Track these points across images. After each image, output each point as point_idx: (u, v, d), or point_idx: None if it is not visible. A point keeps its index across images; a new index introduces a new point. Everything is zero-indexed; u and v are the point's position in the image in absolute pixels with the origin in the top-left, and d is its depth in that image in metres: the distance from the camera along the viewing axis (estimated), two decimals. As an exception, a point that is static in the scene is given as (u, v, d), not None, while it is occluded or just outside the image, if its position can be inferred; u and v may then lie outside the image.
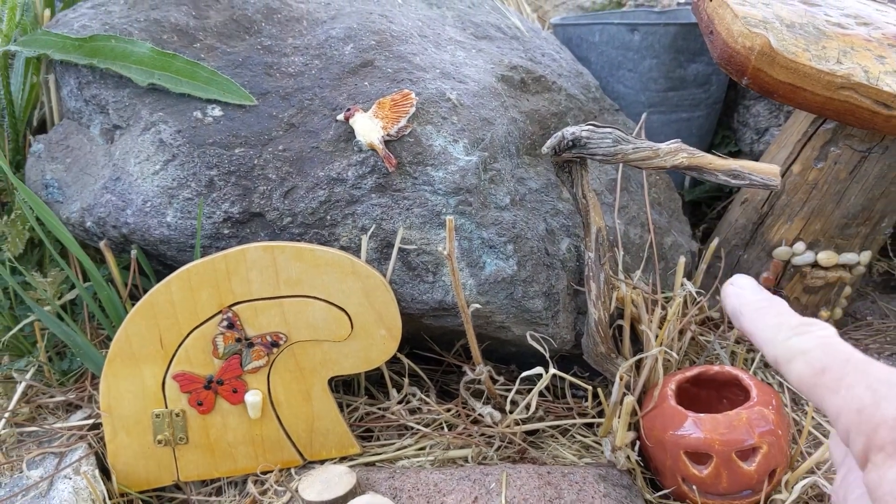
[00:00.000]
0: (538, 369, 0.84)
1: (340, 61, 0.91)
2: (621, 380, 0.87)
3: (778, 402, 0.89)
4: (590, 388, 0.93)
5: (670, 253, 1.07)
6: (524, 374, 0.85)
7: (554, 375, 0.87)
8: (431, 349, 0.98)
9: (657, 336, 0.91)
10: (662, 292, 1.04)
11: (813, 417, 0.98)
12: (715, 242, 1.07)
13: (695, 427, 0.86)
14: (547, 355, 0.86)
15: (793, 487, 0.84)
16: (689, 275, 1.11)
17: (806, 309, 1.11)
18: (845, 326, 1.18)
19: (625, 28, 1.21)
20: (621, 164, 0.96)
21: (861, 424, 0.33)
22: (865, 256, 1.08)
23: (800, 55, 0.90)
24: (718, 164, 0.84)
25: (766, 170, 0.83)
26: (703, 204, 1.36)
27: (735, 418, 0.85)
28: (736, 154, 1.34)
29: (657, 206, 1.13)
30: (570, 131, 0.85)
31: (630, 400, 0.82)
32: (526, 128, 0.99)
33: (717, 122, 1.33)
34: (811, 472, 0.85)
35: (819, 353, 0.36)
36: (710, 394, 0.97)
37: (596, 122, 0.85)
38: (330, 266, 0.80)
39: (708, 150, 1.35)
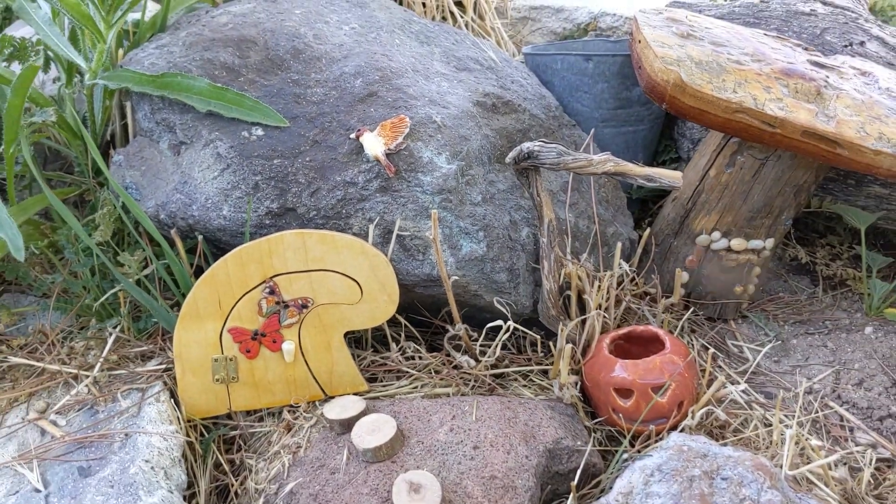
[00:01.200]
0: (499, 322, 1.12)
1: (352, 92, 1.19)
2: (562, 332, 1.15)
3: (687, 352, 1.16)
4: (538, 336, 1.21)
5: (612, 240, 1.35)
6: (490, 325, 1.13)
7: (517, 334, 1.14)
8: (423, 315, 1.26)
9: (596, 303, 1.19)
10: (604, 271, 1.31)
11: (715, 364, 1.26)
12: (647, 231, 1.35)
13: (621, 370, 1.13)
14: (509, 315, 1.14)
15: (695, 415, 1.11)
16: (628, 258, 1.38)
17: (723, 285, 1.38)
18: (761, 300, 1.46)
19: (581, 58, 1.48)
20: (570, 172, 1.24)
21: None
22: (770, 243, 1.36)
23: (704, 86, 1.18)
24: (637, 171, 1.12)
25: (671, 175, 1.11)
26: (650, 202, 1.64)
27: (651, 363, 1.13)
28: (676, 160, 1.62)
29: (605, 202, 1.41)
30: (525, 146, 1.13)
31: (569, 346, 1.10)
32: (496, 142, 1.27)
33: (661, 134, 1.61)
34: (708, 404, 1.13)
35: None
36: (639, 349, 1.25)
37: (545, 140, 1.13)
38: (346, 248, 1.08)
39: (653, 158, 1.63)
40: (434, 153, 1.14)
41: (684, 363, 1.13)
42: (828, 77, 1.26)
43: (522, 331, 1.17)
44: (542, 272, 1.18)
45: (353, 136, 1.13)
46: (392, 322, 1.21)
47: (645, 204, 1.65)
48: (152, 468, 0.95)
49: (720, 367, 1.29)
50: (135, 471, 0.93)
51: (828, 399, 1.20)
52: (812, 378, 1.24)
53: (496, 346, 1.15)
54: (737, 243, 1.34)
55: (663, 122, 1.60)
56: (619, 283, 1.30)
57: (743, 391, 1.21)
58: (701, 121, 1.21)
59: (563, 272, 1.21)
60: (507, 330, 1.12)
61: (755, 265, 1.37)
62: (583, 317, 1.20)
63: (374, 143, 1.11)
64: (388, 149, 1.11)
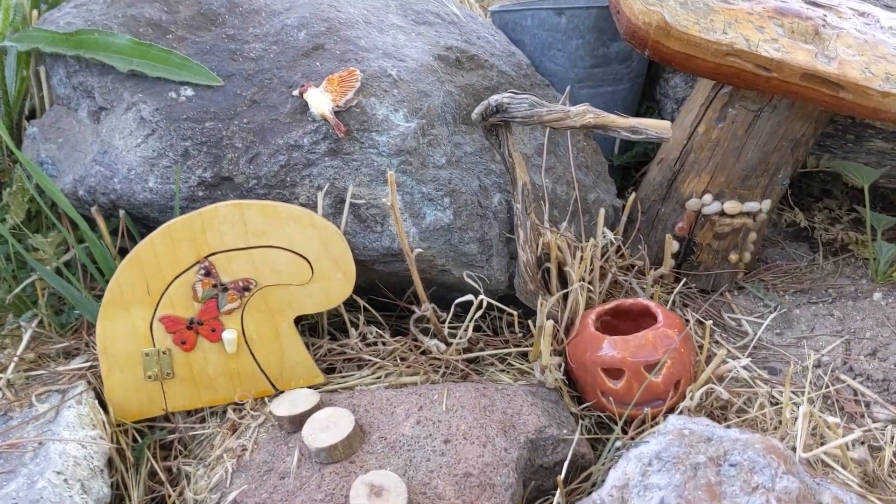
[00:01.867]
0: (469, 296, 0.98)
1: (295, 46, 1.05)
2: (541, 308, 1.02)
3: (682, 325, 1.04)
4: (516, 314, 1.08)
5: (594, 207, 1.22)
6: (458, 300, 1.00)
7: (492, 314, 1.01)
8: (386, 296, 1.12)
9: (580, 275, 1.06)
10: (586, 241, 1.18)
11: (712, 339, 1.14)
12: (633, 197, 1.22)
13: (610, 347, 1.00)
14: (481, 290, 1.00)
15: (694, 395, 0.99)
16: (612, 227, 1.26)
17: (717, 253, 1.26)
18: (757, 269, 1.34)
19: (552, 12, 1.35)
20: (548, 130, 1.11)
21: None
22: (766, 205, 1.23)
23: (691, 28, 1.05)
24: (620, 122, 0.99)
25: (658, 125, 0.98)
26: (633, 169, 1.51)
27: (643, 339, 1.00)
28: (659, 123, 1.49)
29: (584, 168, 1.28)
30: (494, 98, 1.00)
31: (550, 324, 0.96)
32: (461, 100, 1.13)
33: (642, 95, 1.49)
34: (708, 382, 1.00)
35: None
36: (628, 325, 1.12)
37: (516, 91, 1.00)
38: (291, 220, 0.94)
39: (634, 120, 1.50)
40: (390, 110, 1.00)
41: (680, 337, 1.00)
42: (825, 16, 1.14)
43: (498, 307, 1.04)
44: (517, 242, 1.05)
45: (296, 93, 0.99)
46: (350, 305, 1.08)
47: (627, 172, 1.53)
48: (65, 481, 0.81)
49: (718, 342, 1.17)
50: (43, 485, 0.79)
51: (839, 372, 1.07)
52: (820, 350, 1.12)
53: (468, 325, 1.02)
54: (730, 206, 1.22)
55: (644, 81, 1.47)
56: (603, 254, 1.18)
57: (745, 367, 1.09)
58: (688, 67, 1.09)
59: (542, 242, 1.08)
60: (480, 306, 0.99)
61: (751, 230, 1.25)
62: (564, 290, 1.07)
63: (320, 100, 0.98)
64: (337, 106, 0.98)
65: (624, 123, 0.99)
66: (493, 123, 1.02)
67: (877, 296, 1.23)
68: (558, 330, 1.05)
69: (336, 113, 0.97)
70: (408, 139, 0.99)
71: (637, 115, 1.51)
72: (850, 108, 1.05)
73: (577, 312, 1.06)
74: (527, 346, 1.08)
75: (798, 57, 1.04)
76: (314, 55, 1.04)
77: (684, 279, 1.28)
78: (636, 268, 1.28)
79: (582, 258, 1.08)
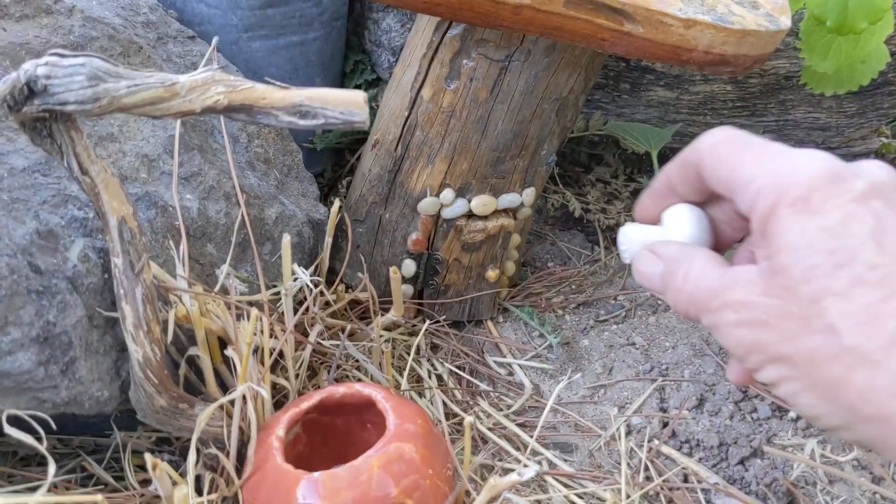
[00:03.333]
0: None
1: None
2: (201, 447, 0.56)
3: (424, 423, 0.63)
4: (164, 457, 0.62)
5: (277, 229, 0.77)
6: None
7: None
8: None
9: (247, 360, 0.61)
10: (270, 286, 0.74)
11: (474, 428, 0.75)
12: (336, 206, 0.79)
13: (310, 494, 0.57)
14: (52, 428, 0.52)
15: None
16: (312, 254, 0.82)
17: (470, 270, 0.87)
18: (525, 280, 0.98)
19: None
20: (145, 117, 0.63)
21: (774, 186, 0.41)
22: (529, 195, 0.86)
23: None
24: (276, 99, 0.54)
25: (346, 99, 0.55)
26: (347, 151, 1.08)
27: (364, 468, 0.58)
28: (374, 82, 1.06)
29: (260, 164, 0.82)
30: (25, 71, 0.50)
31: (180, 490, 0.51)
32: (3, 73, 0.62)
33: (346, 45, 1.05)
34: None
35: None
36: (348, 420, 0.70)
37: (65, 51, 0.51)
38: None
39: (340, 83, 1.06)
40: None
41: (421, 452, 0.60)
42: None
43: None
44: (123, 328, 0.58)
45: None
46: None
47: (340, 155, 1.09)
48: None
49: (485, 413, 0.78)
50: None
51: (660, 442, 0.73)
52: (625, 406, 0.77)
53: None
54: (480, 203, 0.83)
55: (346, 26, 1.03)
56: (300, 306, 0.74)
57: (533, 459, 0.71)
58: (391, -4, 0.66)
59: (175, 315, 0.61)
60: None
61: (512, 232, 0.87)
62: (227, 395, 0.61)
63: None
64: None
65: (283, 100, 0.54)
66: (34, 116, 0.53)
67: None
68: (223, 468, 0.61)
69: None
70: None
71: (344, 74, 1.07)
72: (639, 46, 0.69)
73: (251, 429, 0.62)
74: None
75: (558, -28, 0.65)
76: None
77: (426, 313, 0.88)
78: (361, 306, 0.86)
79: (270, 328, 0.63)
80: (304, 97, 0.54)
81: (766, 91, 0.99)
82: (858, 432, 0.40)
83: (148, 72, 0.53)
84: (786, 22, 0.72)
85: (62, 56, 0.50)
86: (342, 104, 0.54)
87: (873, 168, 0.42)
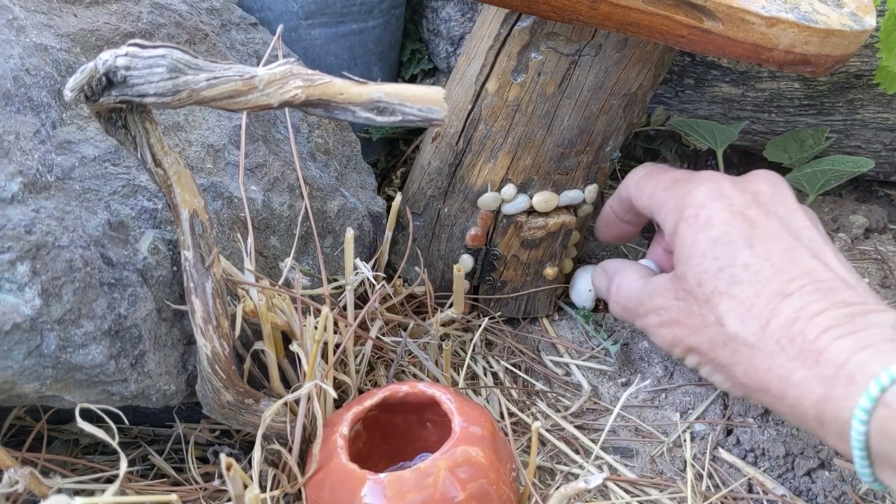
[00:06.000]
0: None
1: None
2: (263, 443, 0.56)
3: (489, 425, 0.62)
4: (222, 451, 0.62)
5: (339, 223, 0.76)
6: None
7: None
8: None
9: (316, 356, 0.60)
10: (331, 280, 0.73)
11: (532, 409, 0.73)
12: (398, 200, 0.78)
13: (376, 495, 0.57)
14: (125, 421, 0.52)
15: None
16: (372, 248, 0.81)
17: (527, 267, 0.86)
18: (579, 276, 0.96)
19: None
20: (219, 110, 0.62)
21: (675, 208, 0.54)
22: (591, 191, 0.84)
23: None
24: (353, 94, 0.53)
25: (425, 96, 0.53)
26: (401, 140, 1.06)
27: (430, 471, 0.58)
28: (431, 72, 1.05)
29: (321, 154, 0.81)
30: (102, 61, 0.50)
31: (252, 492, 0.50)
32: (74, 59, 0.62)
33: (404, 34, 1.03)
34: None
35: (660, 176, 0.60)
36: (408, 418, 0.69)
37: (143, 42, 0.51)
38: None
39: (396, 73, 1.05)
40: None
41: (487, 455, 0.59)
42: None
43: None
44: (192, 321, 0.57)
45: None
46: None
47: (394, 145, 1.08)
48: None
49: (542, 414, 0.77)
50: None
51: (722, 450, 0.71)
52: (688, 411, 0.76)
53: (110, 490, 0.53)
54: (542, 199, 0.81)
55: (404, 14, 1.02)
56: (361, 301, 0.73)
57: (593, 464, 0.70)
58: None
59: (241, 309, 0.61)
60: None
61: (573, 229, 0.85)
62: (293, 392, 0.61)
63: None
64: None
65: (361, 96, 0.53)
66: (109, 107, 0.52)
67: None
68: (287, 464, 0.60)
69: None
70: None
71: (400, 64, 1.05)
72: (718, 44, 0.66)
73: (316, 426, 0.61)
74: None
75: (638, -34, 0.63)
76: None
77: (481, 309, 0.87)
78: (417, 300, 0.85)
79: (317, 325, 0.62)
80: (383, 93, 0.53)
81: (834, 89, 0.96)
82: (754, 401, 0.53)
83: (226, 64, 0.52)
84: (871, 22, 0.70)
85: (142, 47, 0.50)
86: (421, 101, 0.53)
87: (759, 181, 0.54)
